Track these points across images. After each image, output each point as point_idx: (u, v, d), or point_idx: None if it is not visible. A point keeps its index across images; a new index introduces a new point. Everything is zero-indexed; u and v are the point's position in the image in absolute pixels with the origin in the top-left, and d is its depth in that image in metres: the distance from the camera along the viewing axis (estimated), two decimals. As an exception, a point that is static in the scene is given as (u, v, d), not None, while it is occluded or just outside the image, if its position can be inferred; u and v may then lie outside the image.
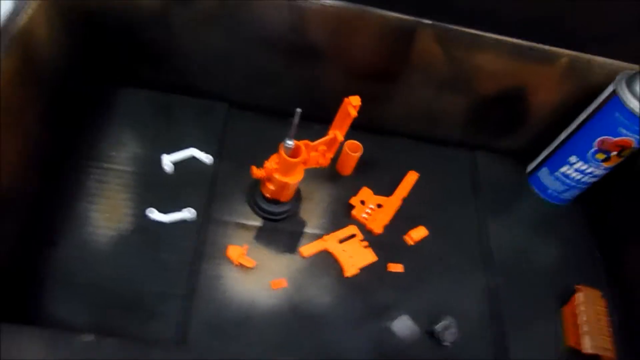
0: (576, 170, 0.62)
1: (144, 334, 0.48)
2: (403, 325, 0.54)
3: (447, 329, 0.53)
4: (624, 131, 0.55)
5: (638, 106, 0.53)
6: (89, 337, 0.29)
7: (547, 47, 0.57)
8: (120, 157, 0.58)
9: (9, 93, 0.45)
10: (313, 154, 0.54)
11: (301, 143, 0.52)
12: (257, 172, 0.53)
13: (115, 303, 0.50)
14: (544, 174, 0.66)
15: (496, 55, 0.58)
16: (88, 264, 0.51)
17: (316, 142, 0.53)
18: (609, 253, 0.65)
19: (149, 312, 0.50)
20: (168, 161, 0.58)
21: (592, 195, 0.67)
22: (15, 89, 0.46)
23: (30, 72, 0.49)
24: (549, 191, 0.67)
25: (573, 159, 0.61)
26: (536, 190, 0.68)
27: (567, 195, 0.66)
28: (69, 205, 0.54)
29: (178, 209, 0.55)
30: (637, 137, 0.55)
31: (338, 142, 0.54)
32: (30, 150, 0.50)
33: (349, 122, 0.52)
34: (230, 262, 0.54)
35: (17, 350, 0.32)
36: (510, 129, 0.68)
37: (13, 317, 0.45)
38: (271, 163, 0.53)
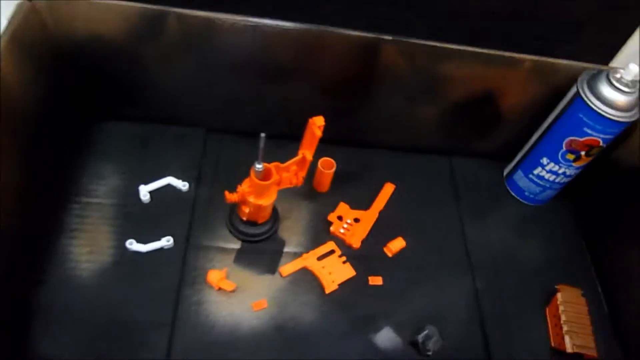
0: (549, 171, 0.62)
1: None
2: (386, 338, 0.55)
3: (429, 338, 0.54)
4: (589, 131, 0.55)
5: (600, 106, 0.53)
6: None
7: (507, 54, 0.58)
8: (100, 190, 0.59)
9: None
10: (285, 174, 0.55)
11: (272, 165, 0.53)
12: (230, 196, 0.54)
13: (103, 336, 0.50)
14: (519, 177, 0.67)
15: (460, 63, 0.59)
16: (74, 300, 0.52)
17: (287, 163, 0.54)
18: (594, 249, 0.65)
19: (138, 342, 0.50)
20: (145, 192, 0.59)
21: (570, 194, 0.67)
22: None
23: (5, 120, 0.49)
24: (526, 193, 0.67)
25: (545, 160, 0.62)
26: (513, 193, 0.69)
27: (543, 196, 0.66)
28: (50, 242, 0.55)
29: (158, 237, 0.56)
30: (602, 136, 0.55)
31: (308, 162, 0.55)
32: (10, 195, 0.51)
33: (316, 141, 0.53)
34: (211, 286, 0.55)
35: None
36: (484, 132, 0.68)
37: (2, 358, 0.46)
38: (244, 187, 0.54)
